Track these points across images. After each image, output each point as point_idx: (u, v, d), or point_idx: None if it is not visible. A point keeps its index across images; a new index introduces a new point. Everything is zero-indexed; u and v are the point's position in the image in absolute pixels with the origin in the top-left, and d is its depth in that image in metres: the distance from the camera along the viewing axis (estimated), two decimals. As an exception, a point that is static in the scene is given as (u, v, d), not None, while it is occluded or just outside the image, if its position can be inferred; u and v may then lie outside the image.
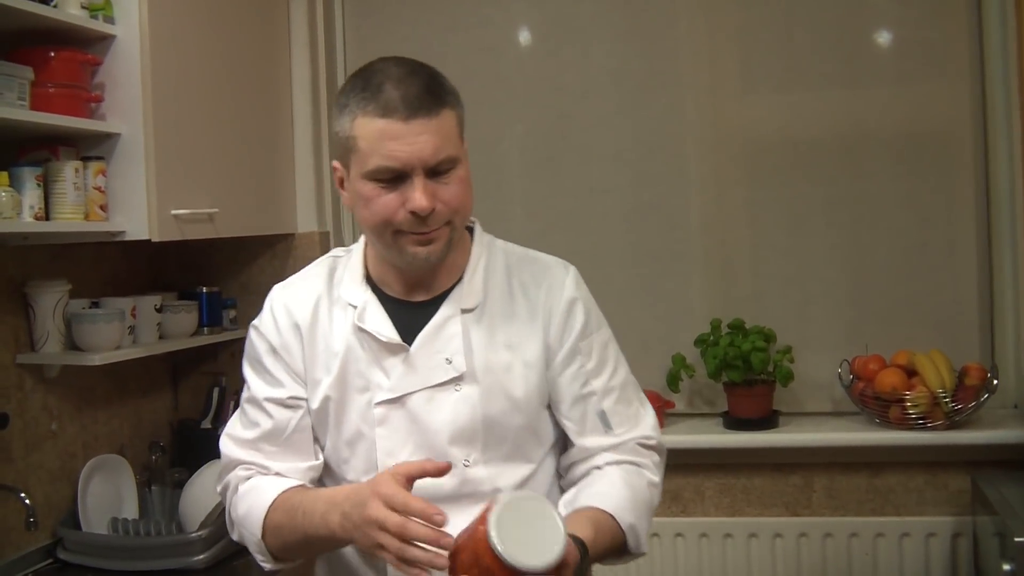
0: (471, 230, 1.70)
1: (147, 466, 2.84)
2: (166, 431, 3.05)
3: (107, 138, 2.42)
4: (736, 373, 2.82)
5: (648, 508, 1.62)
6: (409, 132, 1.47)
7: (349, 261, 1.70)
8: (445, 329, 1.60)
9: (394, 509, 1.35)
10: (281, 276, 3.00)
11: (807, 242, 2.97)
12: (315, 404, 1.63)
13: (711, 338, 2.88)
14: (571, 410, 1.64)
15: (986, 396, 2.71)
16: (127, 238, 2.44)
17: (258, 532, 1.59)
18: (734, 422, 2.90)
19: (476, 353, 1.60)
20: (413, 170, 1.49)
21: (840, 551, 2.84)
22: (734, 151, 3.02)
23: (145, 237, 2.43)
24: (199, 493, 2.54)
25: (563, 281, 1.66)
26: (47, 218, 2.29)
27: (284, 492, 1.58)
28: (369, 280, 1.66)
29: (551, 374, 1.63)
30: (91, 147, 2.42)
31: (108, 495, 2.65)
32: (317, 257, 3.01)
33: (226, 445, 1.68)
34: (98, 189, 2.38)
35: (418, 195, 1.49)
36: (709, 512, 2.95)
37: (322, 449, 1.67)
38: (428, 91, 1.50)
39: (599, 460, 1.63)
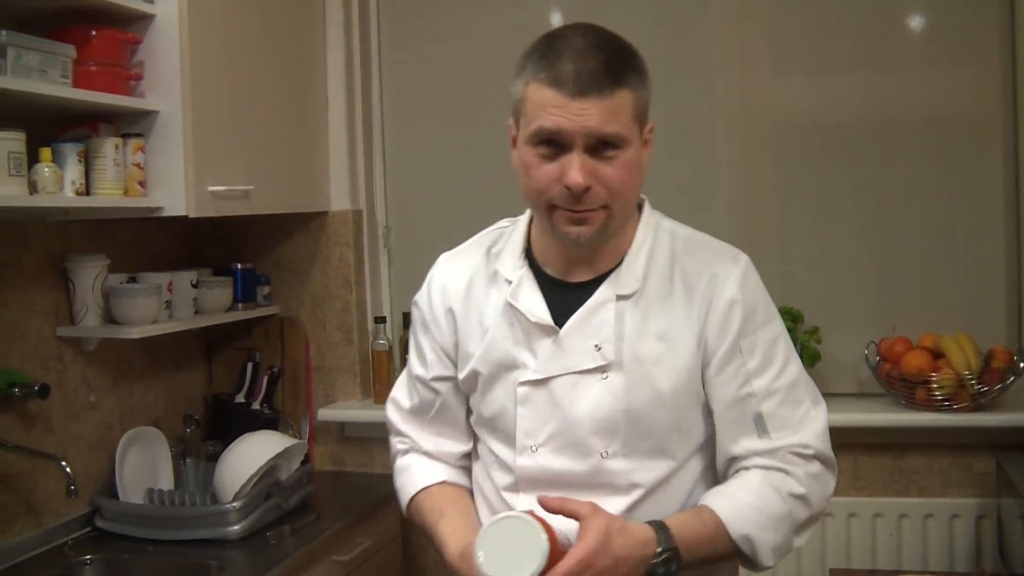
0: (640, 207, 1.65)
1: (182, 439, 2.88)
2: (200, 405, 3.10)
3: (146, 115, 2.45)
4: (763, 354, 2.83)
5: (777, 520, 1.51)
6: (576, 105, 1.43)
7: (512, 234, 1.68)
8: (598, 314, 1.55)
9: None
10: (314, 253, 3.11)
11: (835, 224, 2.96)
12: (463, 376, 1.66)
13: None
14: (726, 411, 1.55)
15: (1012, 379, 2.70)
16: (165, 214, 2.47)
17: (404, 511, 1.78)
18: None
19: (627, 342, 1.54)
20: (573, 141, 1.44)
21: (864, 531, 2.85)
22: (763, 133, 3.02)
23: (182, 213, 2.46)
24: (234, 464, 2.57)
25: (728, 274, 1.56)
26: (87, 193, 2.33)
27: (418, 494, 1.72)
28: (529, 255, 1.64)
29: (709, 373, 1.55)
30: (130, 124, 2.45)
31: (144, 466, 2.70)
32: (350, 234, 3.10)
33: (390, 409, 1.82)
34: (137, 166, 2.41)
35: (574, 170, 1.44)
36: None
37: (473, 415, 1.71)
38: (606, 69, 1.43)
39: (748, 463, 1.55)
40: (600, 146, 1.45)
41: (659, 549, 1.43)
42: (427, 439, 1.76)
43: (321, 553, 2.52)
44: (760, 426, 1.53)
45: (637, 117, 1.48)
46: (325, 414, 3.08)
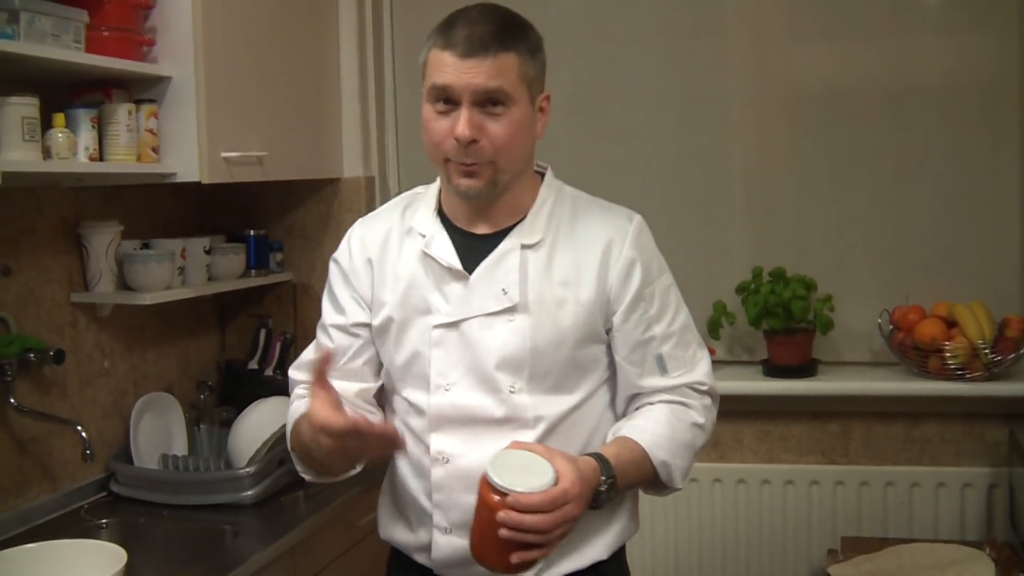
0: (543, 176, 1.78)
1: (195, 405, 2.90)
2: (213, 371, 3.11)
3: (159, 81, 2.44)
4: (776, 321, 2.84)
5: (686, 447, 1.69)
6: (463, 64, 1.57)
7: (426, 195, 1.81)
8: (504, 261, 1.68)
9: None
10: (327, 220, 3.11)
11: (850, 192, 2.96)
12: (377, 322, 1.75)
13: (752, 286, 2.90)
14: (632, 354, 1.71)
15: (1026, 348, 2.71)
16: (178, 180, 2.47)
17: (291, 445, 1.78)
18: (773, 370, 2.92)
19: (531, 286, 1.67)
20: (461, 96, 1.58)
21: (876, 500, 2.87)
22: (778, 100, 3.00)
23: (196, 179, 2.46)
24: (247, 430, 2.59)
25: (625, 232, 1.71)
26: (101, 159, 2.33)
27: (301, 416, 1.71)
28: (441, 214, 1.76)
29: (616, 321, 1.70)
30: (143, 90, 2.45)
31: (158, 432, 2.72)
32: (362, 201, 3.10)
33: (294, 371, 1.86)
34: (150, 131, 2.41)
35: (462, 122, 1.58)
36: (747, 459, 2.99)
37: (384, 360, 1.77)
38: (493, 34, 1.58)
39: (652, 399, 1.72)
40: (487, 103, 1.59)
41: (603, 477, 1.57)
42: (336, 383, 1.66)
43: (334, 518, 2.53)
44: (661, 366, 1.71)
45: (524, 80, 1.61)
46: None
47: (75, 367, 2.55)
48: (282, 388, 2.91)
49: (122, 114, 2.35)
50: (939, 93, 2.88)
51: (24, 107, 2.08)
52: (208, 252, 2.81)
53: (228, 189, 2.98)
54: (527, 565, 1.49)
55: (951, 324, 2.78)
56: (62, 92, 2.36)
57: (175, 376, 2.94)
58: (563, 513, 1.46)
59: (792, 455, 2.96)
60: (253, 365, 3.03)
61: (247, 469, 2.52)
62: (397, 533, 1.81)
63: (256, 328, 3.07)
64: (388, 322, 1.73)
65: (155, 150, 2.43)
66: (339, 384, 1.71)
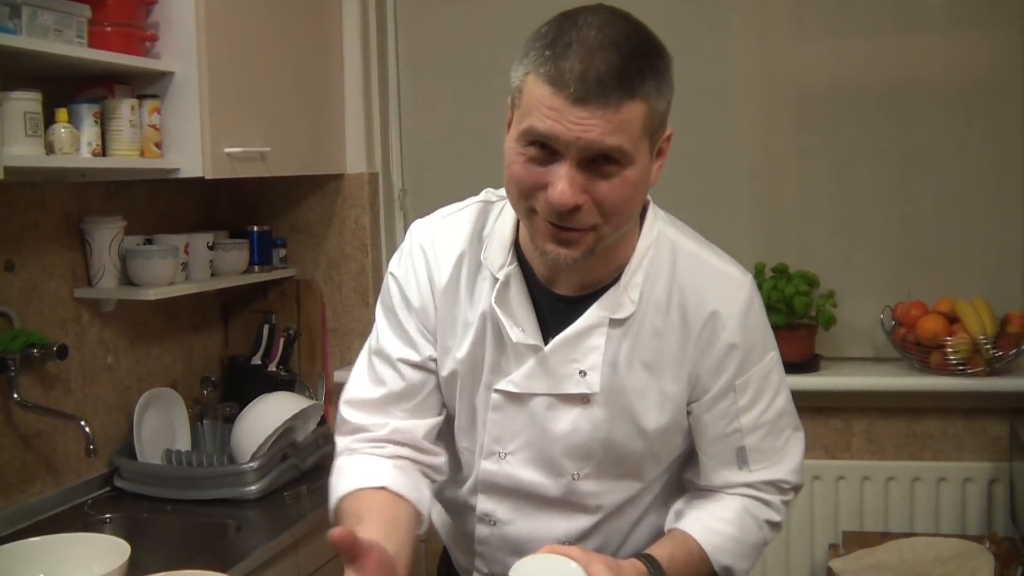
0: (643, 210, 1.46)
1: (198, 400, 2.91)
2: (216, 366, 3.12)
3: (161, 77, 2.45)
4: (779, 316, 2.84)
5: (754, 548, 1.50)
6: (574, 114, 1.22)
7: (500, 219, 1.49)
8: (588, 338, 1.41)
9: None
10: (330, 216, 3.11)
11: (853, 188, 2.96)
12: (444, 373, 1.50)
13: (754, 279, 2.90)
14: (711, 447, 1.48)
15: (1028, 344, 2.72)
16: (181, 175, 2.48)
17: (332, 508, 1.48)
18: None
19: (614, 371, 1.43)
20: (567, 151, 1.24)
21: (877, 494, 2.87)
22: (782, 96, 3.00)
23: (199, 174, 2.47)
24: (251, 426, 2.61)
25: (730, 312, 1.42)
26: (104, 154, 2.34)
27: (360, 491, 1.42)
28: (517, 247, 1.47)
29: (698, 410, 1.47)
30: (146, 85, 2.45)
31: (162, 427, 2.73)
32: (365, 197, 3.11)
33: (348, 411, 1.53)
34: (153, 127, 2.42)
35: (563, 185, 1.24)
36: None
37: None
38: (617, 76, 1.22)
39: (727, 491, 1.51)
40: (599, 159, 1.25)
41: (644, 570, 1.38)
42: (402, 421, 1.51)
43: (337, 513, 2.55)
44: (741, 459, 1.48)
45: (648, 131, 1.28)
46: (341, 376, 3.09)
47: (79, 362, 2.56)
48: (286, 383, 2.94)
49: (125, 109, 2.35)
50: (943, 90, 2.88)
51: (26, 102, 2.09)
52: (211, 248, 2.82)
53: (231, 185, 2.99)
54: None
55: (953, 320, 2.78)
56: (65, 87, 2.36)
57: (179, 372, 2.95)
58: None
59: None
60: (256, 361, 3.04)
61: (250, 464, 2.54)
62: (451, 547, 1.73)
63: (259, 324, 3.08)
64: (453, 376, 1.50)
65: (158, 145, 2.44)
66: (407, 423, 1.50)
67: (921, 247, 2.93)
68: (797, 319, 2.86)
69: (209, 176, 2.48)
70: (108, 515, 2.45)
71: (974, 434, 2.85)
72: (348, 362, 3.14)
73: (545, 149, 1.26)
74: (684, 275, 1.43)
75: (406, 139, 3.27)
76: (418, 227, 1.54)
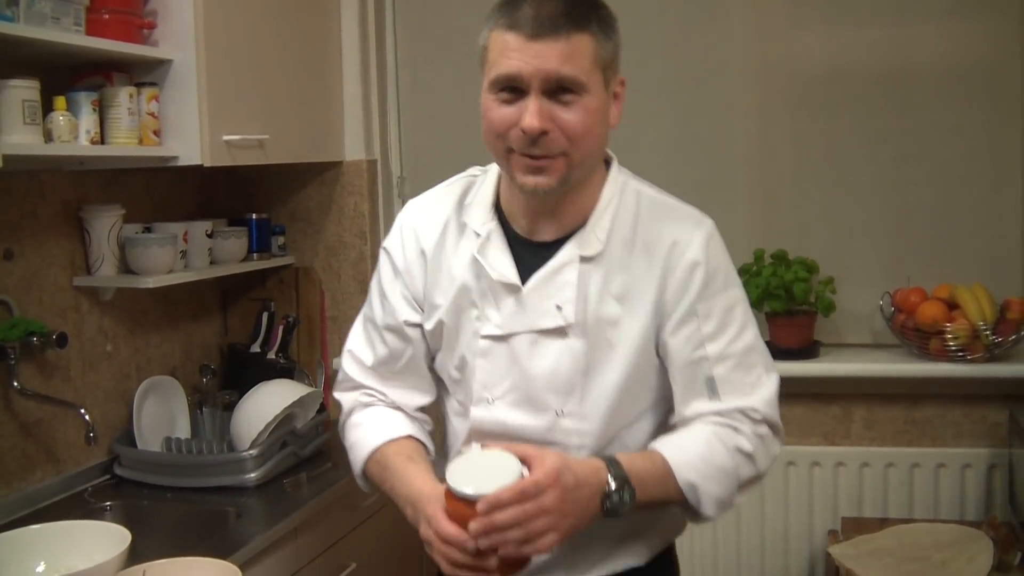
0: (608, 165, 1.63)
1: (198, 388, 2.92)
2: (215, 354, 3.13)
3: (159, 64, 2.45)
4: (778, 303, 2.84)
5: (724, 474, 1.51)
6: (531, 49, 1.42)
7: (483, 184, 1.66)
8: (561, 275, 1.55)
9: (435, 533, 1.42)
10: (329, 204, 3.11)
11: (852, 175, 2.96)
12: (429, 326, 1.65)
13: (754, 268, 2.90)
14: (680, 373, 1.55)
15: (1027, 330, 2.72)
16: (180, 163, 2.48)
17: (358, 468, 1.69)
18: (775, 351, 2.84)
19: (588, 304, 1.54)
20: (530, 84, 1.43)
21: (877, 481, 2.89)
22: (780, 83, 3.00)
23: (197, 162, 2.47)
24: (250, 414, 2.60)
25: (691, 238, 1.55)
26: (102, 143, 2.33)
27: (384, 445, 1.63)
28: (498, 208, 1.63)
29: (664, 335, 1.55)
30: (144, 73, 2.45)
31: (161, 415, 2.73)
32: (364, 184, 3.10)
33: (348, 366, 1.74)
34: (151, 115, 2.42)
35: (530, 112, 1.43)
36: None
37: (440, 365, 1.69)
38: (565, 13, 1.42)
39: (698, 421, 1.55)
40: (559, 90, 1.43)
41: (610, 476, 1.44)
42: (395, 391, 1.71)
43: (337, 500, 2.55)
44: (711, 389, 1.52)
45: (600, 64, 1.46)
46: (340, 364, 3.10)
47: (78, 351, 2.56)
48: (285, 371, 2.94)
49: (123, 97, 2.35)
50: (940, 76, 2.88)
51: (25, 90, 2.08)
52: (210, 236, 2.82)
53: (230, 172, 2.98)
54: (519, 565, 1.42)
55: (952, 306, 2.79)
56: (63, 75, 2.36)
57: (178, 359, 2.95)
58: (539, 504, 1.34)
59: (794, 436, 2.96)
60: (256, 348, 3.03)
61: (250, 451, 2.54)
62: None
63: (259, 312, 3.08)
64: (440, 326, 1.64)
65: (156, 133, 2.44)
66: (398, 394, 1.70)
67: (920, 233, 2.94)
68: (796, 305, 2.87)
69: (207, 164, 2.48)
70: (108, 503, 2.45)
71: (973, 420, 2.86)
72: (348, 349, 3.15)
73: (513, 91, 1.45)
74: (647, 216, 1.57)
75: (404, 126, 3.27)
76: (409, 203, 1.73)
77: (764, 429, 1.54)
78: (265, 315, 3.06)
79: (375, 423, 1.68)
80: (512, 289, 1.56)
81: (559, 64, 1.41)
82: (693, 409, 1.54)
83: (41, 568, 1.81)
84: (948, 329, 2.74)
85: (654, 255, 1.54)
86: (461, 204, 1.65)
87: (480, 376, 1.60)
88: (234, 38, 2.57)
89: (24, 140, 2.08)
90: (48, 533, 1.88)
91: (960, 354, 2.75)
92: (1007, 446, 2.80)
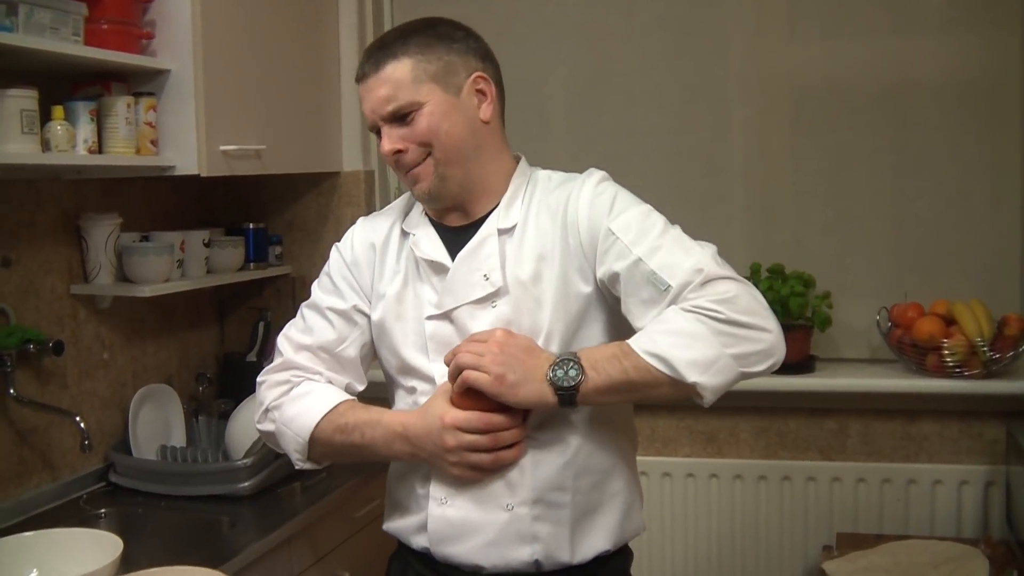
0: (518, 161, 1.80)
1: (194, 396, 2.93)
2: (212, 363, 3.14)
3: (157, 74, 2.47)
4: (775, 317, 2.85)
5: (690, 336, 1.50)
6: (367, 90, 1.68)
7: None
8: (483, 248, 1.70)
9: (475, 430, 1.60)
10: (326, 214, 3.13)
11: (849, 189, 2.98)
12: (376, 316, 1.78)
13: (751, 282, 2.90)
14: (627, 293, 1.60)
15: (1024, 347, 2.73)
16: (177, 172, 2.49)
17: (304, 436, 1.75)
18: None
19: (509, 267, 1.69)
20: (377, 120, 1.68)
21: (872, 496, 2.89)
22: (778, 97, 3.02)
23: (194, 172, 2.48)
24: (245, 423, 2.59)
25: (580, 186, 1.70)
26: (100, 152, 2.35)
27: (337, 406, 1.74)
28: (428, 214, 1.80)
29: (600, 274, 1.64)
30: (142, 83, 2.47)
31: (157, 423, 2.74)
32: (361, 195, 3.13)
33: (285, 348, 1.83)
34: (149, 124, 2.43)
35: (383, 144, 1.68)
36: (744, 454, 3.01)
37: (382, 361, 1.82)
38: (381, 47, 1.67)
39: None
40: (398, 117, 1.66)
41: (555, 353, 1.60)
42: (330, 373, 1.81)
43: (331, 510, 2.55)
44: (655, 283, 1.55)
45: (427, 78, 1.65)
46: None
47: (75, 358, 2.57)
48: (281, 381, 2.93)
49: (121, 107, 2.37)
50: (939, 91, 2.90)
51: (23, 99, 2.09)
52: (207, 245, 2.83)
53: (227, 182, 2.99)
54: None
55: (950, 322, 2.79)
56: (61, 85, 2.37)
57: (174, 368, 2.96)
58: (485, 339, 1.59)
59: (789, 451, 2.98)
60: (252, 358, 3.04)
61: (244, 461, 2.54)
62: (396, 519, 1.83)
63: (255, 321, 3.10)
64: (385, 315, 1.77)
65: (154, 143, 2.45)
66: (332, 375, 1.81)
67: (918, 248, 2.95)
68: (793, 320, 2.87)
69: (205, 174, 2.49)
70: (103, 510, 2.46)
71: (970, 437, 2.87)
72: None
73: (377, 131, 1.70)
74: (550, 188, 1.74)
75: (402, 137, 3.28)
76: (359, 219, 1.90)
77: (719, 286, 1.53)
78: (262, 324, 3.07)
79: (321, 392, 1.77)
80: (441, 268, 1.72)
81: (384, 101, 1.66)
82: (653, 315, 1.56)
83: (34, 575, 1.83)
84: (945, 345, 2.74)
85: (556, 213, 1.69)
86: (404, 214, 1.83)
87: (433, 356, 1.71)
88: (232, 48, 2.58)
89: (22, 149, 2.09)
90: (41, 540, 1.90)
91: (957, 370, 2.75)
92: (1004, 463, 2.80)
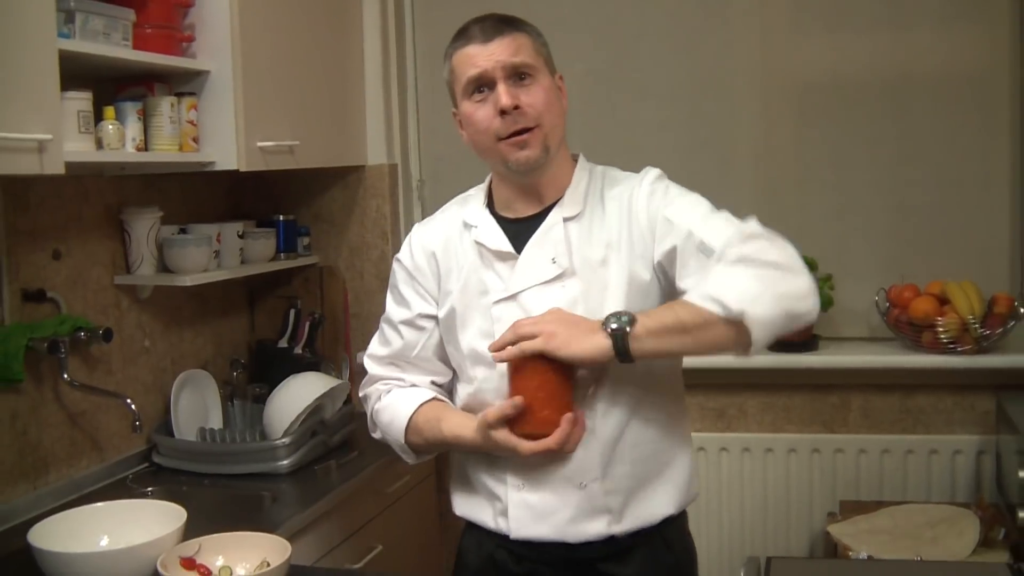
0: (576, 159, 1.89)
1: (228, 381, 3.02)
2: (244, 350, 3.24)
3: (197, 75, 2.56)
4: (779, 299, 2.95)
5: (738, 279, 1.59)
6: (487, 50, 1.74)
7: (478, 193, 1.94)
8: (551, 234, 1.79)
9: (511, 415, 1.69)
10: (351, 206, 3.25)
11: (850, 177, 3.06)
12: (443, 313, 1.87)
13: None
14: (682, 266, 1.70)
15: (1013, 323, 2.82)
16: (217, 168, 2.59)
17: (401, 437, 1.89)
18: (777, 344, 2.94)
19: (576, 250, 1.77)
20: (495, 77, 1.74)
21: (873, 466, 2.99)
22: (783, 90, 3.10)
23: (233, 167, 2.58)
24: (283, 404, 2.71)
25: (641, 178, 1.81)
26: (146, 149, 2.45)
27: (422, 405, 1.88)
28: (491, 205, 1.89)
29: (658, 257, 1.73)
30: (182, 84, 2.57)
31: (196, 407, 2.85)
32: (385, 187, 3.23)
33: (368, 364, 1.99)
34: (191, 123, 2.53)
35: (502, 95, 1.72)
36: (752, 428, 3.10)
37: (450, 357, 1.91)
38: (504, 20, 1.77)
39: None
40: (517, 77, 1.74)
41: (609, 316, 1.66)
42: (412, 375, 1.94)
43: (365, 486, 2.67)
44: (704, 250, 1.67)
45: (541, 55, 1.78)
46: (364, 358, 3.21)
47: (119, 346, 2.68)
48: (312, 365, 3.05)
49: (165, 107, 2.47)
50: (935, 84, 2.98)
51: (80, 101, 2.21)
52: (241, 236, 2.92)
53: (257, 177, 3.09)
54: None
55: (943, 301, 2.88)
56: (107, 87, 2.47)
57: (209, 355, 3.07)
58: (543, 315, 1.69)
59: (794, 425, 3.07)
60: (283, 344, 3.14)
61: (283, 440, 2.65)
62: (471, 506, 1.92)
63: (285, 309, 3.19)
64: (452, 312, 1.85)
65: (195, 140, 2.55)
66: (413, 376, 1.94)
67: (914, 233, 3.04)
68: None
69: (243, 169, 2.59)
70: (149, 488, 2.56)
71: (963, 409, 2.96)
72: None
73: (483, 90, 1.75)
74: (610, 184, 1.84)
75: (423, 132, 3.37)
76: (416, 226, 1.99)
77: (759, 240, 1.65)
78: (292, 312, 3.17)
79: (401, 400, 1.91)
80: (508, 256, 1.80)
81: (511, 55, 1.73)
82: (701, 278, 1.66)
83: (104, 542, 1.91)
84: (939, 323, 2.83)
85: (621, 206, 1.79)
86: (461, 210, 1.91)
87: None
88: (267, 50, 2.68)
89: (80, 148, 2.20)
90: (110, 510, 1.98)
91: (951, 346, 2.84)
92: (995, 433, 2.90)
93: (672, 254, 1.72)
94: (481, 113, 1.77)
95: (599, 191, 1.83)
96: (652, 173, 1.84)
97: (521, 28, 1.78)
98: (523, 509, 1.80)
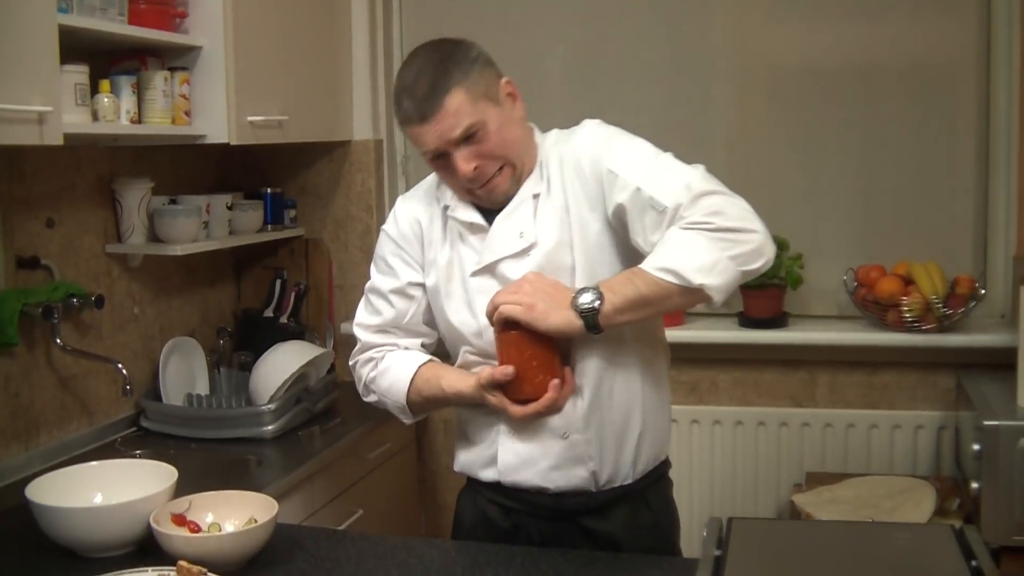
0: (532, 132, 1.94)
1: (214, 349, 3.09)
2: (230, 319, 3.31)
3: (190, 50, 2.63)
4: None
5: (691, 245, 1.66)
6: (429, 129, 1.76)
7: None
8: (519, 210, 1.85)
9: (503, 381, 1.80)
10: (337, 180, 3.33)
11: (821, 161, 3.14)
12: (430, 283, 1.95)
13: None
14: (633, 221, 1.75)
15: (974, 304, 2.92)
16: (208, 141, 2.66)
17: (403, 399, 1.97)
18: (748, 321, 3.11)
19: (540, 223, 1.84)
20: (446, 147, 1.77)
21: (838, 440, 3.08)
22: (757, 75, 3.17)
23: (224, 140, 2.65)
24: (269, 370, 2.79)
25: (580, 136, 1.85)
26: (140, 122, 2.52)
27: (414, 376, 1.95)
28: None
29: (609, 211, 1.79)
30: (175, 58, 2.63)
31: (183, 373, 2.92)
32: (371, 162, 3.30)
33: (359, 333, 2.04)
34: (183, 96, 2.60)
35: (460, 167, 1.78)
36: (723, 402, 3.18)
37: (438, 326, 1.99)
38: (431, 91, 1.75)
39: None
40: (466, 140, 1.76)
41: (575, 288, 1.75)
42: (403, 340, 2.01)
43: (347, 452, 2.75)
44: (654, 205, 1.71)
45: (479, 98, 1.77)
46: (347, 328, 3.24)
47: (109, 313, 2.75)
48: (296, 334, 3.12)
49: (159, 80, 2.54)
50: (903, 72, 3.06)
51: (77, 75, 2.27)
52: (230, 208, 2.99)
53: (244, 150, 3.15)
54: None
55: (908, 281, 2.96)
56: (101, 61, 2.51)
57: (196, 323, 3.14)
58: (520, 281, 1.77)
59: (764, 399, 3.16)
60: (268, 313, 3.22)
61: (268, 406, 2.73)
62: (466, 456, 2.01)
63: (271, 279, 3.26)
64: (437, 282, 1.92)
65: (187, 114, 2.62)
66: (405, 341, 2.01)
67: (881, 215, 3.12)
68: (767, 279, 3.02)
69: (234, 142, 2.66)
70: (138, 451, 2.62)
71: (925, 386, 3.05)
72: (353, 315, 3.29)
73: (441, 156, 1.79)
74: (560, 146, 1.87)
75: (408, 109, 3.43)
76: (399, 199, 2.03)
77: (709, 200, 1.69)
78: (278, 282, 3.24)
79: (399, 364, 1.98)
80: (479, 229, 1.87)
81: (451, 129, 1.75)
82: (656, 240, 1.72)
83: (98, 498, 1.98)
84: (904, 302, 2.92)
85: (567, 164, 1.84)
86: (439, 187, 1.95)
87: (479, 308, 1.85)
88: (258, 27, 2.74)
89: (77, 119, 2.27)
90: (103, 468, 2.06)
91: (915, 325, 2.93)
92: (955, 410, 3.00)
93: (621, 210, 1.76)
94: (446, 174, 1.84)
95: (557, 159, 1.87)
96: (589, 124, 1.88)
97: (449, 88, 1.75)
98: (511, 455, 1.90)
